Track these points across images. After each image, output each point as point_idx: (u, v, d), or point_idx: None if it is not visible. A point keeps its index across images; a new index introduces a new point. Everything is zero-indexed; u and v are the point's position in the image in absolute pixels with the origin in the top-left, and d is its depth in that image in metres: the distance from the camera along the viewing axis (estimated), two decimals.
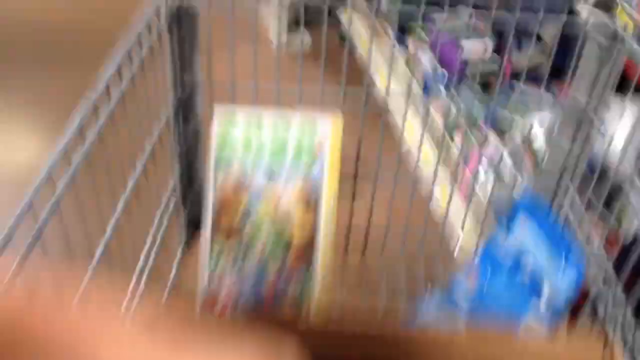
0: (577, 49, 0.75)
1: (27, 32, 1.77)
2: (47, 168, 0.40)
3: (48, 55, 1.67)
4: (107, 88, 0.49)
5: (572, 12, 0.88)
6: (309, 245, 0.68)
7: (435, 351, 0.58)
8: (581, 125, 0.78)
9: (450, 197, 0.87)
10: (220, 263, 0.68)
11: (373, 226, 0.84)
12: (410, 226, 0.86)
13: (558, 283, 0.76)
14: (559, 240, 0.77)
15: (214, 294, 0.67)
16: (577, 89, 0.77)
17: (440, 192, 0.88)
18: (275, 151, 0.67)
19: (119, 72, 0.50)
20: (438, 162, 0.86)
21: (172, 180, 0.71)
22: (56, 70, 1.58)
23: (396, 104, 0.91)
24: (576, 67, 0.77)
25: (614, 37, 0.72)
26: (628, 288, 0.69)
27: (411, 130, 1.49)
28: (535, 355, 0.57)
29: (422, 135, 0.88)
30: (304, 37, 1.86)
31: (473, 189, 1.02)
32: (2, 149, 1.36)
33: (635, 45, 0.69)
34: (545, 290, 0.77)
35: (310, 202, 0.68)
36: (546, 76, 0.92)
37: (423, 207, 0.85)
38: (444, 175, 1.05)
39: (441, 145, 1.29)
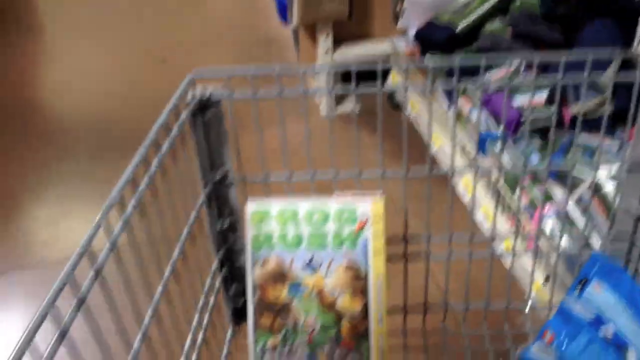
0: (635, 94, 0.70)
1: (82, 122, 1.89)
2: (71, 264, 0.38)
3: (100, 144, 1.77)
4: (135, 179, 0.48)
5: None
6: (360, 332, 0.66)
7: None
8: None
9: (513, 249, 0.81)
10: (267, 359, 0.66)
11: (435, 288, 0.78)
12: (473, 287, 0.79)
13: None
14: (639, 304, 0.69)
15: None
16: (637, 147, 0.71)
17: (505, 249, 0.82)
18: (313, 242, 0.66)
19: (145, 161, 0.50)
20: (497, 216, 0.80)
21: (212, 266, 0.70)
22: (105, 157, 1.67)
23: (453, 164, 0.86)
24: (636, 113, 0.71)
25: None
26: None
27: (469, 188, 1.43)
28: None
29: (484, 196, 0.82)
30: (354, 105, 1.86)
31: (538, 241, 0.95)
32: (53, 229, 1.41)
33: None
34: (631, 356, 0.69)
35: (357, 287, 0.65)
36: (605, 122, 0.86)
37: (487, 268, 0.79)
38: (508, 231, 0.98)
39: (501, 201, 1.22)
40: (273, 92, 0.59)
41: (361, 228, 0.65)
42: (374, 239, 0.66)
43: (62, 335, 0.36)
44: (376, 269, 0.66)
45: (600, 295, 0.72)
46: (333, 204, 0.66)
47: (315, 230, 0.66)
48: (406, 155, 0.67)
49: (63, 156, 1.70)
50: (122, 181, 0.44)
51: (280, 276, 0.66)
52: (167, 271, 0.56)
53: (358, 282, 0.65)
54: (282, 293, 0.66)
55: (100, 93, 2.05)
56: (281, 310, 0.66)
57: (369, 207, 0.65)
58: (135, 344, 0.49)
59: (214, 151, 0.63)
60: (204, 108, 0.59)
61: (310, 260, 0.66)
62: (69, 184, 1.59)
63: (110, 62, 2.21)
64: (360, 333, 0.66)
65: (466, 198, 1.31)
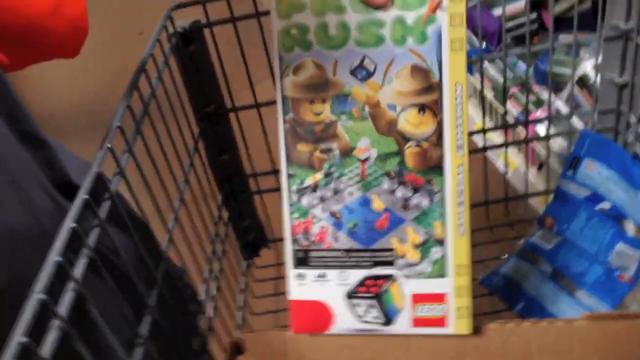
0: None
1: (58, 101, 1.90)
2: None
3: (76, 122, 1.78)
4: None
5: None
6: (432, 162, 0.49)
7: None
8: (626, 52, 0.73)
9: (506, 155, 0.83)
10: (305, 204, 0.51)
11: None
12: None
13: None
14: (634, 174, 0.72)
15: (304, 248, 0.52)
16: (612, 15, 0.72)
17: (506, 159, 0.84)
18: (365, 36, 0.48)
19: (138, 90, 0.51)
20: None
21: (218, 200, 0.72)
22: (88, 135, 1.69)
23: None
24: None
25: None
26: None
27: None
28: None
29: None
30: None
31: (529, 144, 0.97)
32: None
33: None
34: (630, 225, 0.72)
35: (427, 102, 0.48)
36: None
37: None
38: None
39: (494, 113, 1.23)
40: (251, 13, 0.60)
41: (433, 11, 0.47)
42: (451, 27, 0.46)
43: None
44: (454, 71, 0.47)
45: (593, 171, 0.74)
46: None
47: (368, 19, 0.48)
48: None
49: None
50: (120, 110, 0.46)
51: (320, 86, 0.49)
52: (176, 202, 0.58)
53: (429, 92, 0.48)
54: (324, 110, 0.49)
55: (76, 69, 2.04)
56: (322, 135, 0.50)
57: None
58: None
59: (203, 83, 0.64)
60: (187, 42, 0.61)
61: (362, 63, 0.49)
62: None
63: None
64: (433, 164, 0.49)
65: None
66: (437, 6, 0.47)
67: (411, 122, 0.49)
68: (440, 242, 0.50)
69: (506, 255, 0.77)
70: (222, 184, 0.71)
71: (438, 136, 0.49)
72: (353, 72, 0.49)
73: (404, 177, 0.50)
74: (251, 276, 0.78)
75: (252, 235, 0.75)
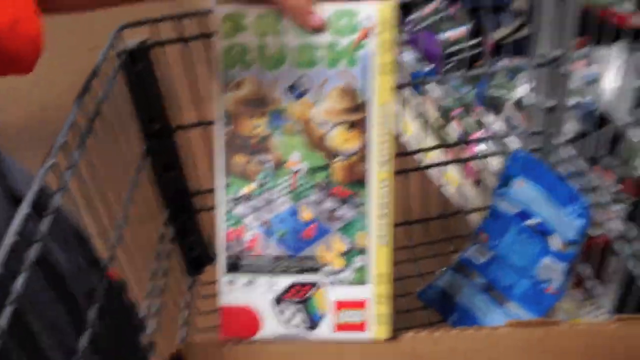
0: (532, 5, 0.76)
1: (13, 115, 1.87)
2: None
3: (32, 136, 1.76)
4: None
5: None
6: (358, 176, 0.52)
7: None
8: (554, 79, 0.78)
9: (445, 170, 0.88)
10: (238, 212, 0.54)
11: None
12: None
13: (566, 231, 0.75)
14: (560, 192, 0.77)
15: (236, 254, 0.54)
16: (541, 44, 0.77)
17: (449, 177, 0.88)
18: (300, 58, 0.51)
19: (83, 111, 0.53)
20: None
21: (164, 216, 0.73)
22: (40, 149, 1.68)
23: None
24: (531, 14, 0.78)
25: None
26: None
27: (410, 129, 1.50)
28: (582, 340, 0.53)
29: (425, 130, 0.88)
30: None
31: (471, 164, 1.02)
32: None
33: None
34: (555, 240, 0.76)
35: (355, 118, 0.51)
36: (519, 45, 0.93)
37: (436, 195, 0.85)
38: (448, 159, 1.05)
39: (438, 134, 1.29)
40: (198, 34, 0.62)
41: (363, 38, 0.50)
42: (380, 52, 0.50)
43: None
44: (382, 93, 0.51)
45: (523, 189, 0.79)
46: (327, 7, 0.50)
47: (304, 42, 0.51)
48: None
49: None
50: (66, 125, 0.47)
51: (258, 102, 0.52)
52: (120, 218, 0.59)
53: (356, 111, 0.51)
54: (261, 125, 0.52)
55: (30, 83, 2.03)
56: (258, 148, 0.53)
57: (374, 10, 0.50)
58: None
59: (150, 101, 0.66)
60: (136, 59, 0.63)
61: (297, 82, 0.52)
62: None
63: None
64: (358, 178, 0.52)
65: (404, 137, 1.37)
66: (367, 34, 0.50)
67: (339, 139, 0.52)
68: (363, 252, 0.53)
69: (443, 269, 0.81)
70: (168, 201, 0.72)
71: (364, 152, 0.52)
72: (289, 91, 0.52)
73: (332, 189, 0.53)
74: (196, 293, 0.79)
75: (197, 252, 0.76)
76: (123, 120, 0.64)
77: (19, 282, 0.38)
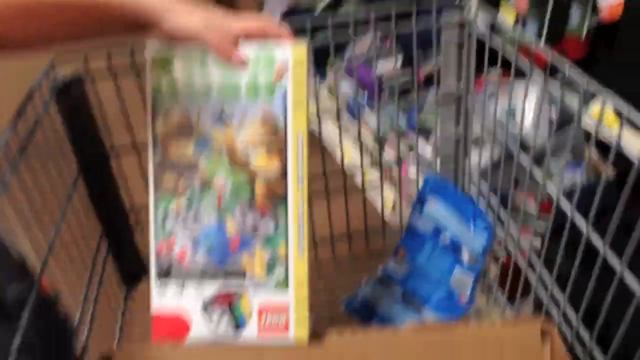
0: (437, 43, 0.85)
1: None
2: None
3: None
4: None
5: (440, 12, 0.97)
6: (277, 194, 0.58)
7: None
8: (459, 109, 0.87)
9: (381, 191, 0.94)
10: (169, 226, 0.59)
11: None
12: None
13: (474, 245, 0.83)
14: (466, 210, 0.85)
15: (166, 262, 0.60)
16: (445, 78, 0.86)
17: (384, 197, 0.94)
18: (225, 91, 0.58)
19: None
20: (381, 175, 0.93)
21: (98, 232, 0.78)
22: None
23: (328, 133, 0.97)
24: (442, 59, 0.86)
25: (462, 25, 0.81)
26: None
27: (348, 153, 1.57)
28: (475, 341, 0.59)
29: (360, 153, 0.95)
30: None
31: (400, 183, 1.09)
32: None
33: (481, 29, 0.79)
34: (465, 254, 0.84)
35: (274, 144, 0.58)
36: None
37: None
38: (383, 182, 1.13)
39: (373, 157, 1.37)
40: (128, 66, 0.68)
41: (280, 76, 0.58)
42: (294, 88, 0.57)
43: None
44: (297, 123, 0.58)
45: (435, 208, 0.87)
46: (247, 48, 0.56)
47: (227, 78, 0.58)
48: None
49: None
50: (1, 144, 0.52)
51: (185, 130, 0.58)
52: (52, 232, 0.63)
53: (275, 138, 0.58)
54: (188, 150, 0.59)
55: None
56: (186, 168, 0.59)
57: (289, 52, 0.57)
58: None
59: (83, 129, 0.71)
60: (69, 89, 0.67)
61: (221, 113, 0.58)
62: None
63: None
64: (277, 196, 0.58)
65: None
66: (282, 74, 0.58)
67: (260, 161, 0.59)
68: (284, 261, 0.58)
69: (364, 280, 0.88)
70: (103, 217, 0.76)
71: (283, 173, 0.58)
72: (214, 119, 0.59)
73: (254, 206, 0.59)
74: (130, 304, 0.83)
75: (132, 264, 0.80)
76: (58, 144, 0.69)
77: None
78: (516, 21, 1.22)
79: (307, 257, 0.58)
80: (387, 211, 1.12)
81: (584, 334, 0.64)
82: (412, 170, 1.33)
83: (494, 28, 0.81)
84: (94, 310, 0.70)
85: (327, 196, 0.86)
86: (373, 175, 1.39)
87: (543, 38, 1.14)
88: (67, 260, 0.65)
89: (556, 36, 1.13)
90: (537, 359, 0.57)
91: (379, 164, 0.95)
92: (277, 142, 0.58)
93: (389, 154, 1.48)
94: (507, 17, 1.26)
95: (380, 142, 1.42)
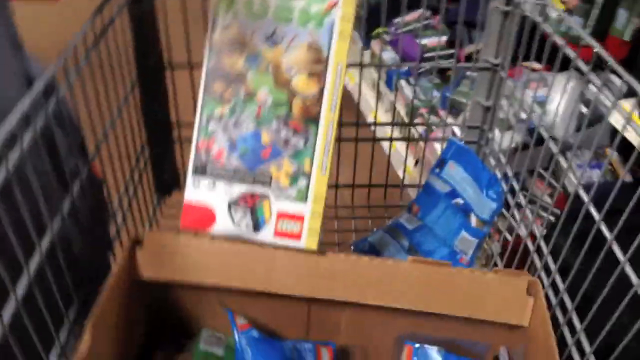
0: (482, 18, 0.89)
1: None
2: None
3: None
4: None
5: None
6: (311, 115, 0.64)
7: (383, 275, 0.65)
8: (493, 83, 0.91)
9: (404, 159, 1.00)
10: (211, 127, 0.66)
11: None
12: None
13: (483, 211, 0.88)
14: (482, 177, 0.90)
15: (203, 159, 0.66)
16: (485, 52, 0.91)
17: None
18: (279, 14, 0.64)
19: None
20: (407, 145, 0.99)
21: (143, 138, 0.85)
22: None
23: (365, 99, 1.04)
24: (486, 34, 0.91)
25: (508, 3, 0.86)
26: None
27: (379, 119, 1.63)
28: (466, 281, 0.64)
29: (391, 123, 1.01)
30: None
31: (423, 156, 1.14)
32: None
33: (528, 9, 0.83)
34: (473, 218, 0.89)
35: (315, 71, 0.64)
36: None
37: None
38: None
39: (402, 130, 1.42)
40: None
41: (330, 8, 0.63)
42: (341, 21, 0.63)
43: None
44: (338, 54, 0.63)
45: (454, 171, 0.92)
46: None
47: (283, 2, 0.64)
48: None
49: None
50: (78, 36, 0.59)
51: (239, 45, 0.65)
52: (107, 124, 0.70)
53: (317, 64, 0.64)
54: (239, 62, 0.65)
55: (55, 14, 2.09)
56: (235, 79, 0.65)
57: None
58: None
59: (147, 38, 0.77)
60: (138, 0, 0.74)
61: (273, 33, 0.64)
62: None
63: None
64: (311, 117, 0.64)
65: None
66: (334, 5, 0.63)
67: (301, 83, 0.64)
68: (307, 176, 0.65)
69: (375, 229, 0.94)
70: (149, 126, 0.83)
71: (319, 97, 0.64)
72: (266, 39, 0.64)
73: (289, 122, 0.64)
74: (161, 210, 0.90)
75: (167, 175, 0.88)
76: (124, 50, 0.76)
77: (24, 142, 0.49)
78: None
79: (327, 177, 0.65)
80: (407, 175, 1.18)
81: (577, 323, 0.68)
82: (437, 147, 1.38)
83: (543, 14, 0.85)
84: (130, 205, 0.78)
85: (355, 149, 0.92)
86: (399, 145, 1.45)
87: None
88: (115, 156, 0.72)
89: (600, 34, 1.16)
90: (520, 304, 0.63)
91: (407, 131, 1.00)
92: (318, 69, 0.64)
93: (419, 129, 1.53)
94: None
95: (412, 112, 1.47)
